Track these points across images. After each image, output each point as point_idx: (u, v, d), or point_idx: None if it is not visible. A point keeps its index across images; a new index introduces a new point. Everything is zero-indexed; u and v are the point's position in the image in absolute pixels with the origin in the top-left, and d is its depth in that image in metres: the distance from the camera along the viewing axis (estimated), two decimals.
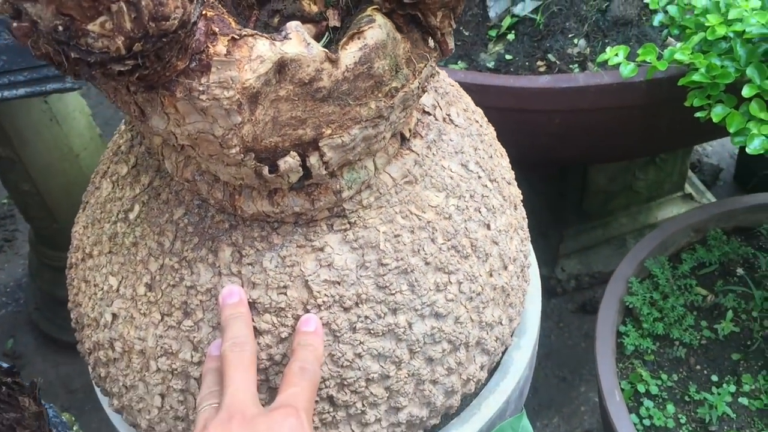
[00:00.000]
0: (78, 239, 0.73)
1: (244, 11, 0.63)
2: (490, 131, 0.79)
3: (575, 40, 1.33)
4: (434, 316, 0.67)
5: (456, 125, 0.72)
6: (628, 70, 1.03)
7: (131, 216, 0.67)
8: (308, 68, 0.52)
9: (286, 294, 0.62)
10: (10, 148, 1.64)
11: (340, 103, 0.55)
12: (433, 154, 0.68)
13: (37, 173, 1.78)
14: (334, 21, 0.63)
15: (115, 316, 0.67)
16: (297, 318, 0.62)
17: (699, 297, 1.26)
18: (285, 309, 0.62)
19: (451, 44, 0.60)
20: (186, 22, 0.42)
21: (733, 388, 1.14)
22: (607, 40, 1.31)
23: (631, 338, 1.19)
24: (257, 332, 0.62)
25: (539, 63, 1.32)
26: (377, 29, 0.54)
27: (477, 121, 0.76)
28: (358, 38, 0.54)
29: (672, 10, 1.10)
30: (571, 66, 1.30)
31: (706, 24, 0.98)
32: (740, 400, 1.13)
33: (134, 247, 0.66)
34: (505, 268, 0.73)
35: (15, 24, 0.39)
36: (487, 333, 0.71)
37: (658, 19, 1.12)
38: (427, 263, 0.66)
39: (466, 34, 1.41)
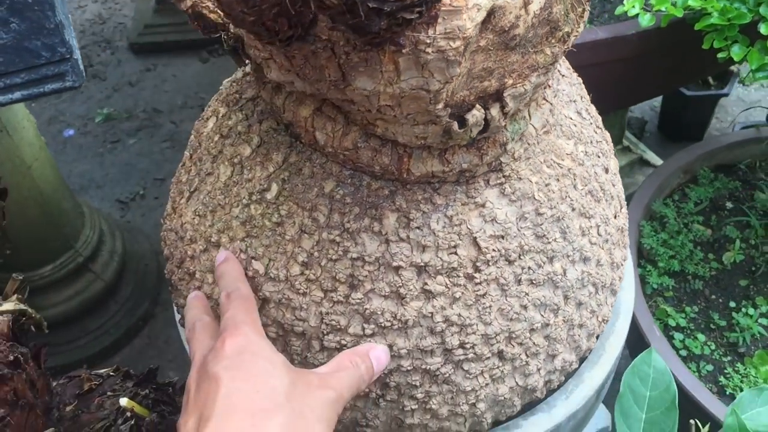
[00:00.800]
0: (193, 230, 0.69)
1: None
2: (579, 79, 0.81)
3: None
4: (582, 261, 0.68)
5: (563, 75, 0.73)
6: (646, 20, 1.07)
7: (269, 196, 0.64)
8: (510, 15, 0.51)
9: (456, 253, 0.62)
10: None
11: (522, 50, 0.55)
12: (558, 102, 0.69)
13: None
14: None
15: (265, 300, 0.64)
16: (468, 277, 0.62)
17: (699, 232, 1.34)
18: (456, 269, 0.62)
19: None
20: None
21: (752, 311, 1.22)
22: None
23: (653, 277, 1.25)
24: (431, 295, 0.62)
25: None
26: None
27: (570, 69, 0.78)
28: None
29: None
30: None
31: None
32: (761, 320, 1.21)
33: (279, 227, 0.63)
34: (621, 209, 0.75)
35: None
36: (615, 273, 0.74)
37: None
38: (573, 209, 0.67)
39: None
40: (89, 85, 2.68)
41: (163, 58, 2.79)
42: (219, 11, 0.57)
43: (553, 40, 0.57)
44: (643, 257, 1.32)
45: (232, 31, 0.57)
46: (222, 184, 0.68)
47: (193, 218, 0.69)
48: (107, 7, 3.10)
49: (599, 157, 0.72)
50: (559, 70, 0.73)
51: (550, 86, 0.68)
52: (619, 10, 1.13)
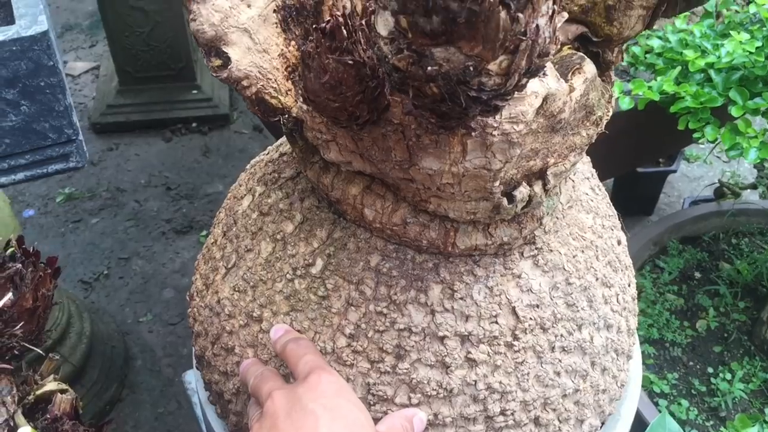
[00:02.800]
0: (232, 305, 0.71)
1: None
2: (587, 157, 0.87)
3: None
4: (606, 328, 0.72)
5: None
6: (626, 104, 1.16)
7: (314, 270, 0.67)
8: (559, 101, 0.56)
9: (497, 322, 0.65)
10: None
11: (563, 133, 0.60)
12: (575, 179, 0.75)
13: None
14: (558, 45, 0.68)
15: None
16: (507, 345, 0.65)
17: (673, 301, 1.40)
18: (498, 337, 0.65)
19: (614, 76, 0.67)
20: (555, 53, 0.45)
21: (728, 376, 1.28)
22: None
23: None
24: (474, 363, 0.64)
25: None
26: (590, 65, 0.60)
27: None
28: (580, 72, 0.60)
29: (636, 49, 1.25)
30: None
31: (686, 58, 1.14)
32: (738, 385, 1.27)
33: (325, 300, 0.66)
34: (634, 277, 0.80)
35: (427, 69, 0.41)
36: (630, 339, 0.78)
37: (625, 59, 1.27)
38: (597, 279, 0.71)
39: None
40: None
41: (125, 137, 2.80)
42: (279, 97, 0.60)
43: (588, 123, 0.62)
44: None
45: (292, 115, 0.61)
46: (263, 259, 0.70)
47: (232, 294, 0.71)
48: (68, 88, 3.10)
49: (613, 230, 0.77)
50: None
51: None
52: None
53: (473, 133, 0.52)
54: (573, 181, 0.72)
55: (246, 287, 0.70)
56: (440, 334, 0.64)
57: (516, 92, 0.47)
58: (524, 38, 0.41)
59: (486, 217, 0.61)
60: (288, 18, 0.61)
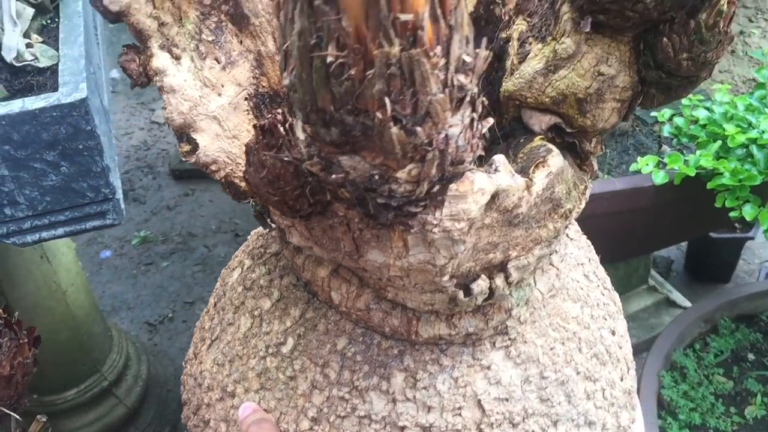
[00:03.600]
0: (211, 377, 0.72)
1: None
2: (587, 241, 0.84)
3: None
4: (587, 425, 0.69)
5: (571, 238, 0.77)
6: (660, 178, 1.12)
7: (284, 349, 0.67)
8: (513, 197, 0.56)
9: (461, 415, 0.63)
10: None
11: (526, 226, 0.59)
12: (564, 266, 0.73)
13: (23, 313, 1.71)
14: (478, 151, 0.67)
15: None
16: None
17: (721, 384, 1.33)
18: (461, 430, 0.63)
19: (596, 167, 0.66)
20: (471, 162, 0.45)
21: None
22: (607, 150, 1.42)
23: (674, 431, 1.23)
24: None
25: None
26: (557, 157, 0.59)
27: (579, 232, 0.81)
28: (543, 166, 0.58)
29: (679, 120, 1.21)
30: None
31: (726, 133, 1.09)
32: None
33: (292, 380, 0.66)
34: (629, 371, 0.77)
35: (333, 176, 0.42)
36: None
37: (666, 129, 1.23)
38: (578, 372, 0.69)
39: None
40: (129, 208, 2.79)
41: (201, 183, 2.91)
42: None
43: (555, 216, 0.60)
44: (664, 408, 1.30)
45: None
46: (242, 335, 0.71)
47: (212, 366, 0.72)
48: (152, 135, 3.27)
49: (606, 319, 0.74)
50: (567, 234, 0.77)
51: (557, 252, 0.72)
52: (633, 167, 1.18)
53: (412, 230, 0.51)
54: (557, 269, 0.70)
55: (224, 361, 0.71)
56: (400, 423, 0.63)
57: (438, 196, 0.47)
58: (430, 149, 0.41)
59: (445, 308, 0.60)
60: (261, 105, 0.63)
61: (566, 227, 0.62)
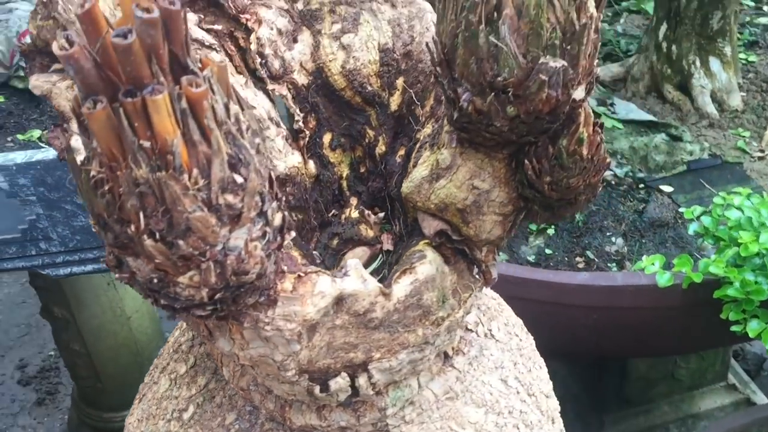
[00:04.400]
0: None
1: (307, 233, 0.70)
2: (530, 342, 0.82)
3: (613, 239, 1.39)
4: None
5: (497, 340, 0.76)
6: (664, 280, 1.07)
7: (185, 416, 0.71)
8: (363, 301, 0.57)
9: None
10: (66, 309, 1.71)
11: (389, 330, 0.59)
12: (474, 369, 0.72)
13: (89, 334, 1.85)
14: (387, 245, 0.69)
15: None
16: None
17: None
18: None
19: (495, 275, 0.65)
20: (262, 274, 0.47)
21: None
22: (644, 240, 1.37)
23: None
24: None
25: (578, 259, 1.38)
26: (427, 265, 0.60)
27: (517, 335, 0.80)
28: (410, 273, 0.59)
29: (706, 220, 1.15)
30: (609, 264, 1.35)
31: (739, 240, 1.03)
32: None
33: None
34: None
35: (117, 274, 0.45)
36: None
37: (693, 228, 1.17)
38: None
39: None
40: None
41: None
42: None
43: (426, 323, 0.61)
44: None
45: None
46: (160, 395, 0.75)
47: (135, 421, 0.77)
48: None
49: (518, 428, 0.72)
50: (492, 335, 0.76)
51: (464, 353, 0.71)
52: (637, 266, 1.13)
53: (245, 325, 0.54)
54: (459, 371, 0.70)
55: (143, 418, 0.76)
56: None
57: (245, 300, 0.50)
58: (203, 260, 0.44)
59: (308, 400, 0.62)
60: None
61: (440, 333, 0.62)
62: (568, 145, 0.53)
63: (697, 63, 1.48)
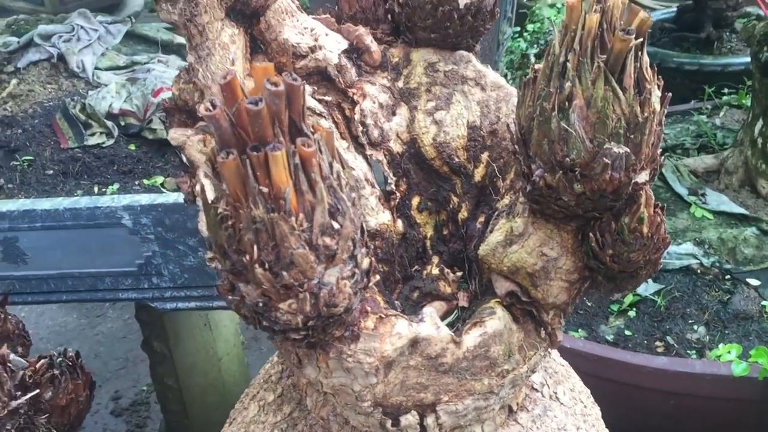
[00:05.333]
0: None
1: (391, 285, 0.77)
2: (595, 411, 0.86)
3: (695, 327, 1.40)
4: None
5: (561, 403, 0.81)
6: (740, 369, 1.08)
7: None
8: (436, 346, 0.64)
9: None
10: (165, 344, 1.84)
11: (458, 376, 0.66)
12: (537, 427, 0.77)
13: (182, 370, 1.96)
14: (463, 302, 0.76)
15: None
16: None
17: None
18: None
19: (560, 338, 0.71)
20: (349, 308, 0.55)
21: None
22: (727, 331, 1.37)
23: None
24: None
25: (657, 343, 1.39)
26: (496, 321, 0.66)
27: (582, 402, 0.84)
28: (480, 326, 0.66)
29: None
30: (688, 351, 1.35)
31: None
32: None
33: None
34: None
35: (230, 297, 0.54)
36: None
37: None
38: None
39: (589, 304, 1.51)
40: None
41: None
42: None
43: (492, 374, 0.67)
44: None
45: None
46: (248, 420, 0.83)
47: None
48: None
49: None
50: (558, 397, 0.80)
51: (528, 410, 0.76)
52: (713, 354, 1.14)
53: (330, 354, 0.61)
54: (521, 426, 0.75)
55: None
56: None
57: (332, 332, 0.58)
58: (301, 290, 0.53)
59: None
60: None
61: (504, 386, 0.67)
62: (629, 223, 0.59)
63: None
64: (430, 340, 0.63)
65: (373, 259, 0.56)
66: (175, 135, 0.74)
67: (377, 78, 0.76)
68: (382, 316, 0.62)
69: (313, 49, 0.73)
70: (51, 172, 1.37)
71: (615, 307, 1.48)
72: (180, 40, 1.69)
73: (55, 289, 1.34)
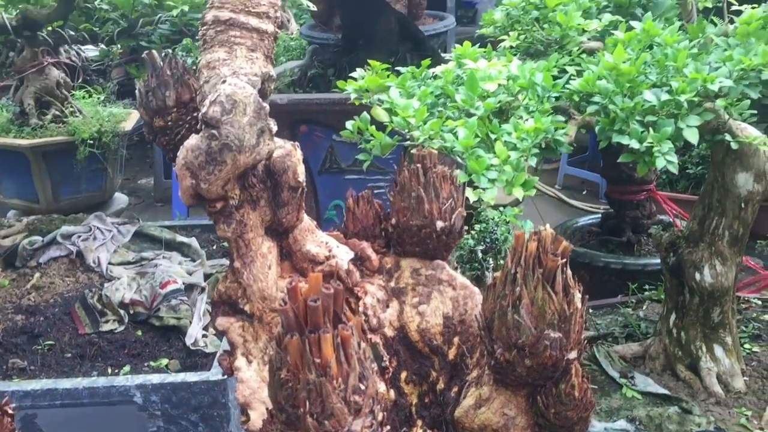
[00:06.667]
0: None
1: None
2: None
3: None
4: None
5: None
6: None
7: None
8: None
9: None
10: None
11: None
12: None
13: None
14: None
15: None
16: None
17: None
18: None
19: None
20: None
21: None
22: None
23: None
24: None
25: None
26: None
27: None
28: None
29: None
30: None
31: None
32: None
33: None
34: None
35: None
36: None
37: None
38: None
39: None
40: None
41: None
42: None
43: None
44: None
45: None
46: None
47: None
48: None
49: None
50: None
51: None
52: None
53: None
54: None
55: None
56: None
57: None
58: None
59: None
60: None
61: None
62: (565, 388, 0.82)
63: (703, 348, 1.76)
64: None
65: (384, 414, 0.77)
66: (221, 322, 0.96)
67: (375, 279, 1.00)
68: None
69: (328, 258, 0.98)
70: (69, 355, 1.55)
71: None
72: (181, 238, 1.95)
73: None
